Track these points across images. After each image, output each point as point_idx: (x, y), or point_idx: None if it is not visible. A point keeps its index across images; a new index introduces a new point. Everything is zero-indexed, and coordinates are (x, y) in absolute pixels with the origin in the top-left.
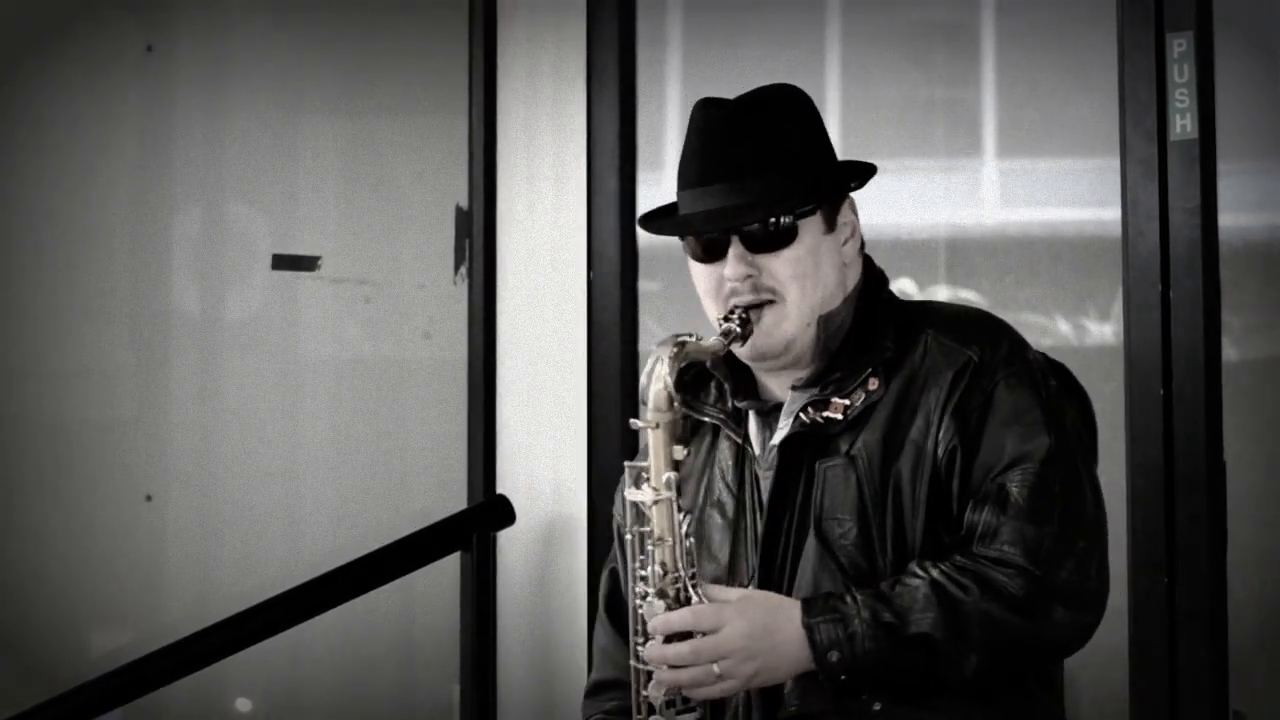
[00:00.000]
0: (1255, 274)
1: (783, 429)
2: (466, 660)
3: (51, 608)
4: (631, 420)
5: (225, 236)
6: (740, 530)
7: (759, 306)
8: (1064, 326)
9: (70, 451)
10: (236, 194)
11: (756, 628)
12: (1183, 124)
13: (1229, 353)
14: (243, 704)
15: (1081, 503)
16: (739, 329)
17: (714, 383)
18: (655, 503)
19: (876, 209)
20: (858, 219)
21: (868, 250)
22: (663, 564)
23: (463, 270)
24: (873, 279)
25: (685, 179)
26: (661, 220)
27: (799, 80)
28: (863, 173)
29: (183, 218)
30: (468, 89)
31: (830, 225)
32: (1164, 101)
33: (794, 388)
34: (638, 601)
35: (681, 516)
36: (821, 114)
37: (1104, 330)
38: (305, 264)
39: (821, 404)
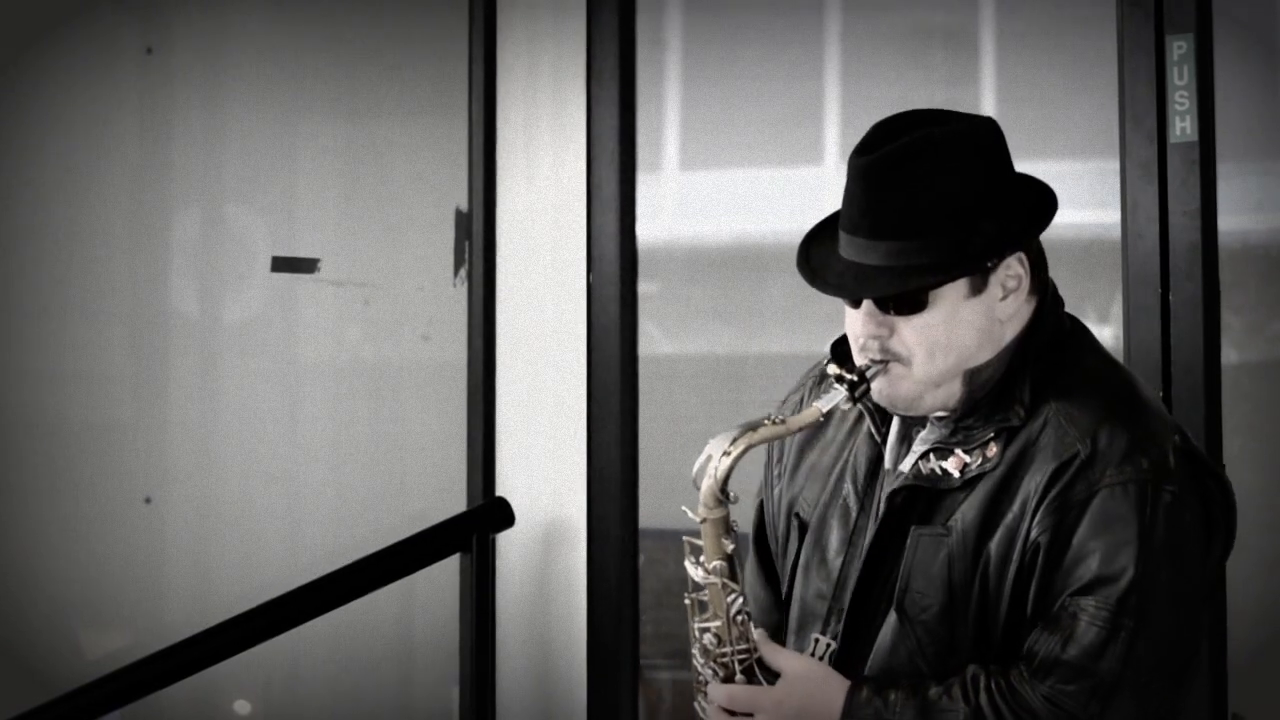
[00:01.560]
0: (1255, 276)
1: (914, 454)
2: (466, 662)
3: (50, 610)
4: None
5: (224, 238)
6: (856, 550)
7: (884, 363)
8: None
9: (69, 453)
10: (236, 196)
11: (792, 712)
12: (1182, 126)
13: (1228, 355)
14: (242, 706)
15: (1157, 638)
16: (848, 392)
17: None
18: (707, 584)
19: None
20: (1026, 270)
21: None
22: (717, 636)
23: (462, 272)
24: (1040, 324)
25: (841, 219)
26: (804, 264)
27: (798, 80)
28: (1033, 224)
29: (182, 219)
30: (467, 90)
31: (979, 287)
32: (1164, 104)
33: (939, 417)
34: (697, 663)
35: (732, 599)
36: (982, 150)
37: (1103, 333)
38: (304, 266)
39: (945, 452)
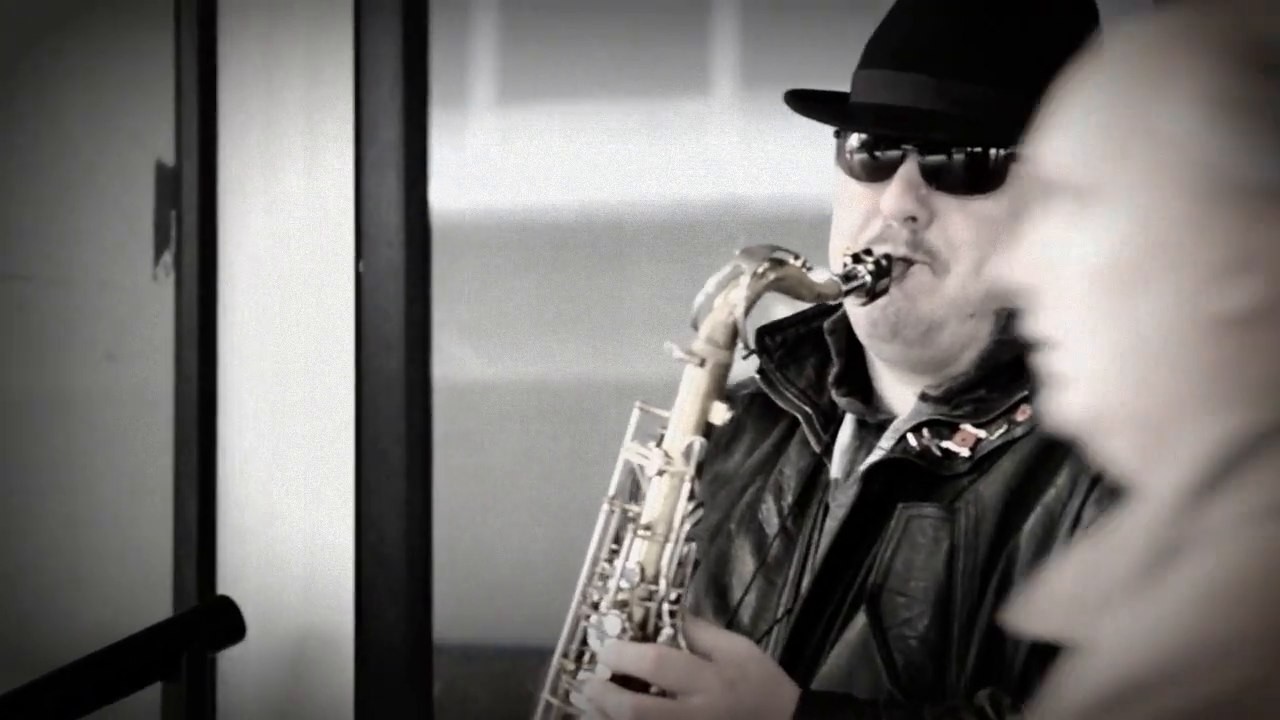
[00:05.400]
0: None
1: (881, 450)
2: None
3: None
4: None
5: None
6: (780, 577)
7: (908, 263)
8: None
9: None
10: None
11: (741, 711)
12: None
13: None
14: None
15: None
16: (869, 278)
17: (814, 360)
18: (660, 473)
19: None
20: None
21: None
22: (641, 565)
23: (167, 258)
24: None
25: (869, 55)
26: (818, 105)
27: None
28: None
29: None
30: None
31: None
32: None
33: (924, 396)
34: (586, 609)
35: (691, 507)
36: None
37: None
38: None
39: (948, 428)
